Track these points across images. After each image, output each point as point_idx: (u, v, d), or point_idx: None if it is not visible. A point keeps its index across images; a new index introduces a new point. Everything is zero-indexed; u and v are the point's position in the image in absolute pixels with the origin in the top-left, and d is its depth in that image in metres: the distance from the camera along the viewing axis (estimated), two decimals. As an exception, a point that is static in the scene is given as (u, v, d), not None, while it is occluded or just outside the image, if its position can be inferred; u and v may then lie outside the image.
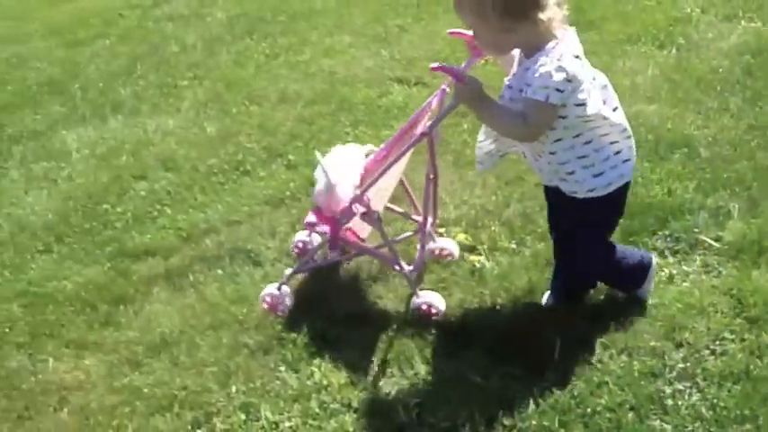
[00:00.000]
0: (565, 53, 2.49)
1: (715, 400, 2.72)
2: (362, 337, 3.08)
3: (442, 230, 3.59)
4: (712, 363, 2.86)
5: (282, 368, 2.97)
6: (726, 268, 3.30)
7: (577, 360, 2.90)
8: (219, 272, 3.51)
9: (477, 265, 3.40)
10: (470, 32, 2.76)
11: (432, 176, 3.16)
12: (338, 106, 4.90)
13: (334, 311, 3.21)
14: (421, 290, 3.15)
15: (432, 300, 3.13)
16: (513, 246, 3.52)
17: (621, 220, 3.54)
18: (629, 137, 2.77)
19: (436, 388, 2.85)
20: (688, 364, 2.86)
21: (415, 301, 3.13)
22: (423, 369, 2.92)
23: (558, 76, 2.43)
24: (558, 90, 2.44)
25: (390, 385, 2.86)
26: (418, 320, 3.11)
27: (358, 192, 2.97)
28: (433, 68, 2.61)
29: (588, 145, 2.65)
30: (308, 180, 4.13)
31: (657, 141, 4.19)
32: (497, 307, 3.17)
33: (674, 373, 2.83)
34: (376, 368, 2.93)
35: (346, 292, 3.31)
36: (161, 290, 3.44)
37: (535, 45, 2.55)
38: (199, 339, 3.12)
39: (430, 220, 3.34)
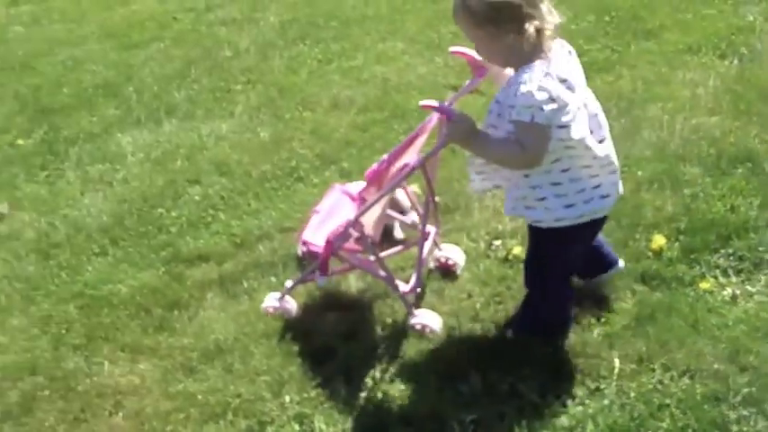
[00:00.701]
0: (549, 73, 2.38)
1: (782, 428, 2.65)
2: (417, 348, 3.04)
3: (497, 243, 3.55)
4: (779, 388, 2.78)
5: (337, 379, 2.94)
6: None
7: (637, 381, 2.83)
8: (273, 279, 3.50)
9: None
10: (472, 51, 2.72)
11: (431, 198, 3.11)
12: (391, 113, 4.87)
13: (385, 321, 3.18)
14: (417, 308, 3.12)
15: (426, 320, 3.08)
16: (571, 260, 3.46)
17: (682, 237, 3.53)
18: (613, 171, 2.64)
19: (492, 404, 2.80)
20: (753, 389, 2.77)
21: (410, 320, 3.09)
22: (479, 384, 2.88)
23: (541, 95, 2.34)
24: (541, 109, 2.34)
25: (447, 400, 2.82)
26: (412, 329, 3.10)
27: (350, 219, 2.94)
28: (423, 106, 2.57)
29: (565, 173, 2.54)
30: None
31: (719, 155, 4.09)
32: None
33: (739, 398, 2.75)
34: (431, 382, 2.89)
35: (394, 304, 3.27)
36: (215, 296, 3.44)
37: (521, 58, 2.44)
38: (252, 347, 3.11)
39: (434, 230, 3.30)
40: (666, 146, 4.24)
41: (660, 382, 2.82)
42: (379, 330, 3.16)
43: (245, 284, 3.48)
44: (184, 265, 3.65)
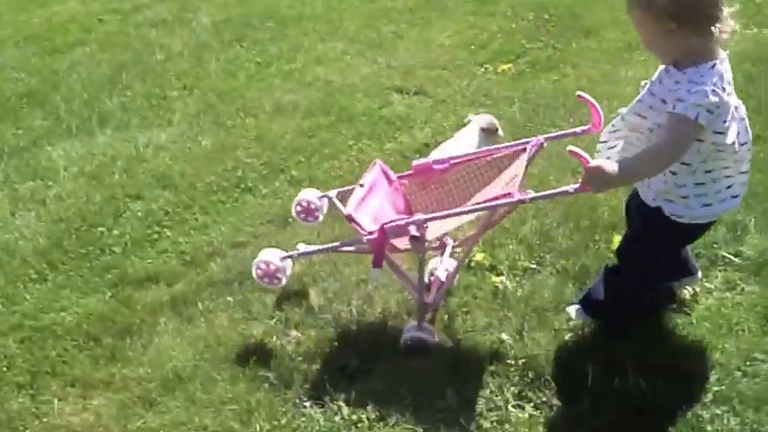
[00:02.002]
0: (722, 77, 2.42)
1: (755, 425, 2.64)
2: (386, 368, 2.93)
3: (458, 250, 3.46)
4: (746, 385, 2.78)
5: (307, 403, 2.81)
6: (748, 284, 3.23)
7: (611, 385, 2.79)
8: (229, 299, 3.33)
9: (500, 287, 3.27)
10: (595, 103, 2.96)
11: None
12: (337, 117, 4.74)
13: (354, 342, 3.06)
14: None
15: (429, 336, 2.99)
16: (534, 265, 3.40)
17: None
18: (744, 172, 2.67)
19: (469, 420, 2.72)
20: (723, 387, 2.77)
21: (410, 332, 2.98)
22: (454, 401, 2.78)
23: (713, 98, 2.37)
24: (708, 111, 2.37)
25: (423, 419, 2.72)
26: (407, 350, 2.98)
27: (422, 217, 2.82)
28: (571, 153, 2.43)
29: (708, 174, 2.59)
30: (313, 196, 3.98)
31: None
32: (524, 330, 3.04)
33: (710, 396, 2.74)
34: (407, 399, 2.79)
35: (365, 323, 3.15)
36: (168, 320, 3.24)
37: (694, 58, 2.46)
38: (215, 374, 2.94)
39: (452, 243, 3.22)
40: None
41: (635, 385, 2.78)
42: (347, 348, 3.03)
43: (200, 306, 3.30)
44: (132, 288, 3.44)
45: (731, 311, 3.08)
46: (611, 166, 2.43)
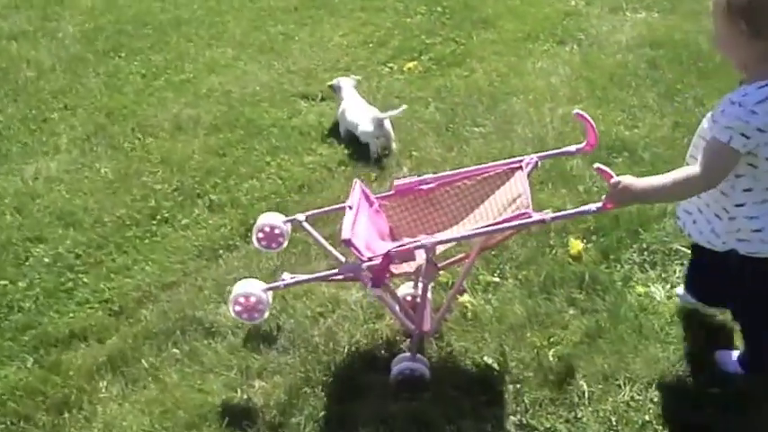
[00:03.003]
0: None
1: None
2: (372, 411, 2.68)
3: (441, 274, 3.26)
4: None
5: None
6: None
7: (610, 401, 2.70)
8: (175, 350, 2.96)
9: (469, 306, 3.10)
10: (592, 122, 2.73)
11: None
12: (246, 131, 4.39)
13: (329, 385, 2.80)
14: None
15: (422, 367, 2.77)
16: (496, 278, 3.26)
17: (595, 238, 3.47)
18: None
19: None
20: (716, 389, 2.71)
21: (405, 364, 2.75)
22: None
23: (750, 120, 2.18)
24: (743, 135, 2.19)
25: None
26: (399, 386, 2.75)
27: (431, 240, 2.57)
28: (598, 170, 2.31)
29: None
30: (240, 222, 3.65)
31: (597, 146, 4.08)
32: (506, 352, 2.89)
33: (709, 399, 2.68)
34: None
35: (337, 362, 2.89)
36: (110, 384, 2.84)
37: (758, 70, 2.25)
38: (180, 443, 2.60)
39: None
40: (544, 140, 4.17)
41: (632, 398, 2.71)
42: (322, 393, 2.76)
43: (144, 363, 2.91)
44: (58, 350, 2.99)
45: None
46: (638, 183, 2.30)
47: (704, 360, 2.83)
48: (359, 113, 4.23)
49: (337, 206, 2.95)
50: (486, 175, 2.85)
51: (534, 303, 3.10)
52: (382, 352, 2.91)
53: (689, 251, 3.37)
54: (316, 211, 3.04)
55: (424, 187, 2.89)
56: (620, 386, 2.75)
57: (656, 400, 2.70)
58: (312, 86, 4.85)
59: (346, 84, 4.44)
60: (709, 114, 2.38)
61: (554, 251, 3.38)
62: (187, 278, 3.35)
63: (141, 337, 3.03)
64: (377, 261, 2.57)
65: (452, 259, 2.91)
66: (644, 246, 3.40)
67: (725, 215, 2.41)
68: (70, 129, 4.48)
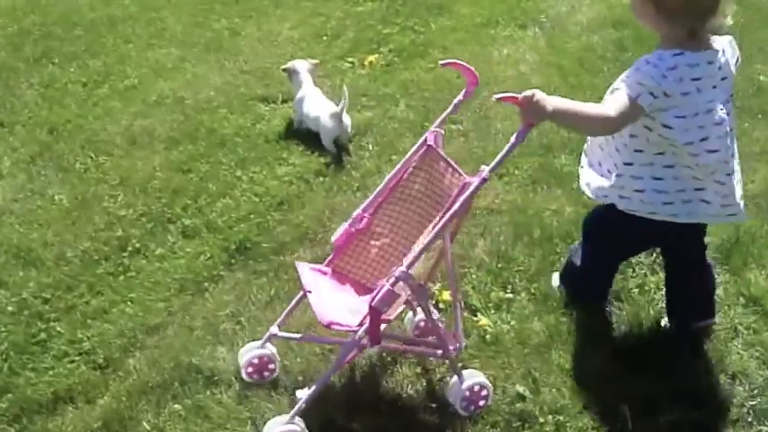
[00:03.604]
0: (680, 67, 2.30)
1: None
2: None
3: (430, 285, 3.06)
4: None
5: None
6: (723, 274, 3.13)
7: (656, 424, 2.57)
8: (176, 406, 2.68)
9: (488, 330, 2.92)
10: (460, 61, 2.58)
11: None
12: (209, 143, 4.07)
13: (350, 402, 2.60)
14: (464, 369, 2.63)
15: (481, 379, 2.61)
16: (508, 294, 3.09)
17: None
18: (722, 184, 2.45)
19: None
20: (758, 401, 2.65)
21: (465, 384, 2.56)
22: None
23: (660, 83, 2.27)
24: (652, 95, 2.28)
25: None
26: (466, 409, 2.58)
27: (401, 269, 2.33)
28: (501, 99, 2.21)
29: (669, 169, 2.43)
30: (220, 248, 3.37)
31: (581, 139, 3.94)
32: (535, 375, 2.73)
33: (751, 415, 2.61)
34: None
35: (364, 403, 2.67)
36: (110, 453, 2.55)
37: (671, 42, 2.35)
38: None
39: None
40: (528, 137, 3.99)
41: (680, 418, 2.57)
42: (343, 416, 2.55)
43: (145, 424, 2.62)
44: (43, 417, 2.65)
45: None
46: (551, 99, 2.21)
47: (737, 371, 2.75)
48: (318, 106, 4.00)
49: (296, 298, 2.70)
50: (406, 174, 2.65)
51: (553, 319, 2.95)
52: (408, 389, 2.71)
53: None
54: (281, 318, 2.73)
55: (360, 226, 2.67)
56: (662, 405, 2.63)
57: (707, 419, 2.59)
58: (271, 88, 4.54)
59: (302, 67, 4.17)
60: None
61: (562, 259, 3.23)
62: (173, 318, 3.05)
63: (136, 393, 2.73)
64: (365, 326, 2.37)
65: (431, 266, 2.74)
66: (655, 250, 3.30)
67: (614, 171, 2.49)
68: (11, 150, 4.05)
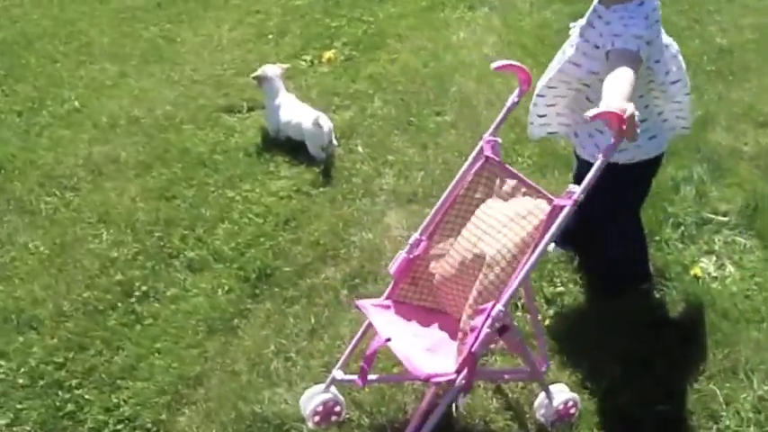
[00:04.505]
0: (650, 14, 2.38)
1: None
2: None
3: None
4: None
5: None
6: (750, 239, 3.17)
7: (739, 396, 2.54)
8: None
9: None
10: (515, 62, 2.47)
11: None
12: (185, 164, 3.71)
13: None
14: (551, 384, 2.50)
15: (568, 395, 2.49)
16: (560, 288, 2.98)
17: None
18: (680, 110, 2.65)
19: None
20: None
21: (556, 402, 2.45)
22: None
23: (648, 32, 2.34)
24: (648, 44, 2.33)
25: None
26: (554, 424, 2.46)
27: (498, 309, 2.15)
28: (595, 117, 2.00)
29: (647, 109, 2.56)
30: (237, 278, 3.09)
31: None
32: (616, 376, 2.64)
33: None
34: None
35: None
36: None
37: None
38: None
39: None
40: (515, 118, 3.89)
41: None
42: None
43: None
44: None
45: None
46: (622, 103, 2.05)
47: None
48: (298, 113, 3.75)
49: (357, 337, 2.50)
50: (462, 190, 2.44)
51: (607, 308, 2.86)
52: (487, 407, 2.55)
53: (719, 217, 3.33)
54: (342, 360, 2.51)
55: (418, 252, 2.44)
56: (743, 380, 2.61)
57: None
58: (231, 97, 4.22)
59: (274, 73, 3.87)
60: (577, 41, 2.49)
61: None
62: (213, 364, 2.75)
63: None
64: (464, 372, 2.17)
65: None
66: (678, 221, 3.27)
67: (589, 130, 2.61)
68: (-43, 198, 3.57)
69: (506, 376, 2.60)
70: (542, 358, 2.44)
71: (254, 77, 3.89)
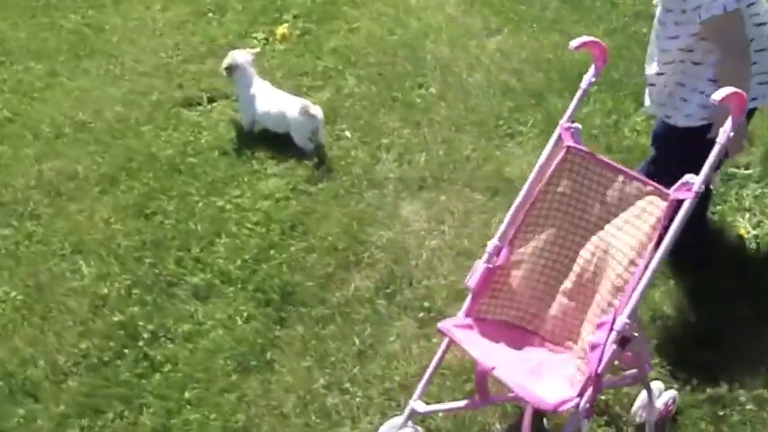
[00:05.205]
0: None
1: None
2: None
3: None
4: None
5: None
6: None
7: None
8: None
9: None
10: (592, 38, 2.19)
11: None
12: (156, 173, 3.26)
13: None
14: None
15: (671, 394, 2.31)
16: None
17: None
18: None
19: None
20: None
21: (660, 402, 2.26)
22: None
23: None
24: None
25: None
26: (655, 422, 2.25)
27: (624, 321, 1.90)
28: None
29: (760, 53, 2.36)
30: (257, 302, 2.72)
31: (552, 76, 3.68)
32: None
33: None
34: None
35: None
36: None
37: None
38: None
39: None
40: (506, 85, 3.64)
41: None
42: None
43: None
44: None
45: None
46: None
47: None
48: (279, 102, 3.38)
49: (434, 365, 2.19)
50: (542, 186, 2.16)
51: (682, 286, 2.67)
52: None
53: (742, 171, 3.19)
54: (419, 390, 2.18)
55: (499, 261, 2.15)
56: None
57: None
58: (187, 88, 3.76)
59: (244, 59, 3.45)
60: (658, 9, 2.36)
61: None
62: (257, 409, 2.38)
63: None
64: (588, 394, 1.92)
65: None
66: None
67: (704, 87, 2.36)
68: None
69: (615, 383, 2.33)
70: (646, 357, 2.22)
71: (224, 68, 3.43)
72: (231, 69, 3.42)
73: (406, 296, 2.71)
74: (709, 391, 2.36)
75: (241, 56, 3.43)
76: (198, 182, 3.21)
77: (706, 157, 2.13)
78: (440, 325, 2.15)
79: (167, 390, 2.45)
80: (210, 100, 3.69)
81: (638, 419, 2.29)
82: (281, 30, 4.11)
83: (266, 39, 4.08)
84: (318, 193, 3.15)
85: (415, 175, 3.21)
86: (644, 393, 2.25)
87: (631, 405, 2.30)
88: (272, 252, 2.89)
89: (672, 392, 2.31)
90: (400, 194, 3.13)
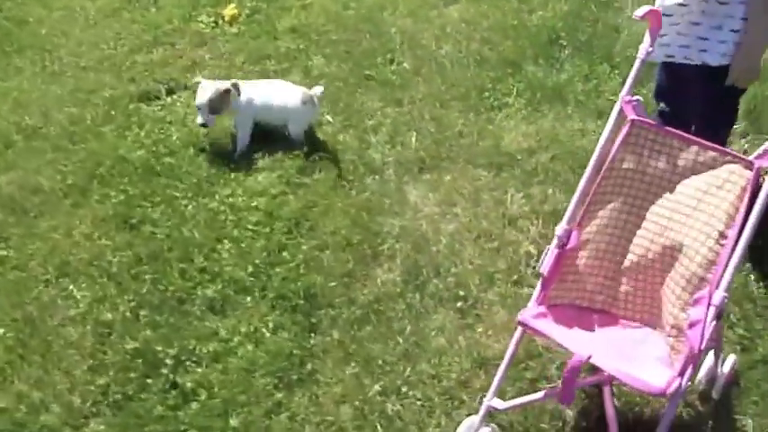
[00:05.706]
0: None
1: None
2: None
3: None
4: None
5: None
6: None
7: None
8: None
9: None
10: (652, 7, 2.11)
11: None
12: (132, 177, 2.95)
13: None
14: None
15: (733, 358, 2.30)
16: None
17: None
18: None
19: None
20: None
21: (726, 367, 2.25)
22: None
23: None
24: None
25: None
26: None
27: (720, 296, 1.84)
28: None
29: None
30: (281, 310, 2.52)
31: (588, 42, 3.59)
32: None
33: None
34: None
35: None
36: None
37: None
38: None
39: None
40: (486, 59, 3.53)
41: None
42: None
43: None
44: None
45: None
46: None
47: None
48: (278, 94, 3.12)
49: (508, 359, 2.08)
50: (609, 163, 2.08)
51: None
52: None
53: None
54: (494, 386, 2.07)
55: (571, 244, 2.06)
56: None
57: None
58: (140, 81, 3.45)
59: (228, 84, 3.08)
60: None
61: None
62: (309, 427, 2.21)
63: None
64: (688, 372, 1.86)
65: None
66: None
67: (732, 24, 2.36)
68: None
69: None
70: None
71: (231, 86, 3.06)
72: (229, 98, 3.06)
73: (437, 286, 2.57)
74: (761, 350, 2.38)
75: (222, 84, 3.05)
76: (181, 183, 2.94)
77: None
78: (520, 318, 2.03)
79: (208, 420, 2.22)
80: (169, 92, 3.39)
81: (702, 387, 2.27)
82: (229, 10, 3.83)
83: (215, 22, 3.79)
84: (316, 185, 2.95)
85: (412, 157, 3.06)
86: (710, 360, 2.23)
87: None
88: (284, 254, 2.68)
89: (733, 356, 2.30)
90: (402, 178, 2.97)
